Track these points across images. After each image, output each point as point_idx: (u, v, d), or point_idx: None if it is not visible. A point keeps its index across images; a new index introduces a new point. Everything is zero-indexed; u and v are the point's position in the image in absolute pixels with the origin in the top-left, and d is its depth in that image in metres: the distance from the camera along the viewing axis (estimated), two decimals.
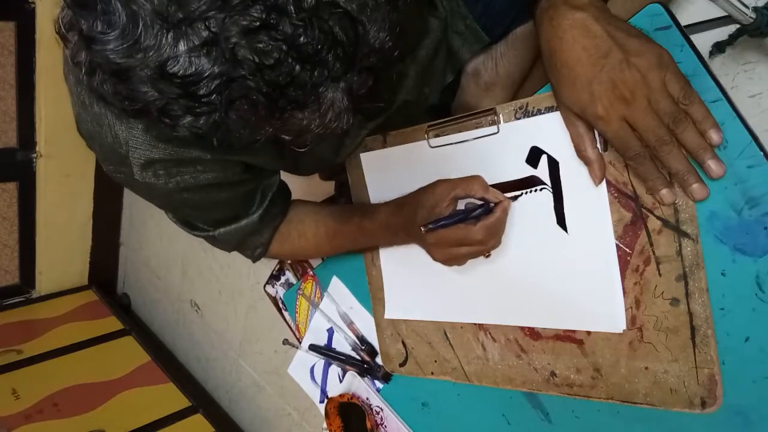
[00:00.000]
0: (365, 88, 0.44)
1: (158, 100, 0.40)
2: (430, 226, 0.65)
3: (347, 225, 0.78)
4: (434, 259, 0.71)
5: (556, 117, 0.63)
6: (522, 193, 0.67)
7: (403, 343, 0.83)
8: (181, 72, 0.38)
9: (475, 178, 0.66)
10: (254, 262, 0.83)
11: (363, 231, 0.77)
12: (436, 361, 0.81)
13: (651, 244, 0.61)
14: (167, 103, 0.40)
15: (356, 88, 0.43)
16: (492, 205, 0.66)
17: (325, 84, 0.41)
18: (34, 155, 2.18)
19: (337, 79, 0.41)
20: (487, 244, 0.67)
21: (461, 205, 0.68)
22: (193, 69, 0.38)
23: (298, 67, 0.39)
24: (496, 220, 0.65)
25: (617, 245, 0.63)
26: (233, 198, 0.72)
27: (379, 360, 0.88)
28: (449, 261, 0.70)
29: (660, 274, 0.61)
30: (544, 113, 0.64)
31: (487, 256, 0.71)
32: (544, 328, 0.70)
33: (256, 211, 0.74)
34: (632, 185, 0.61)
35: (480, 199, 0.66)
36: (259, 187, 0.74)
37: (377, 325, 0.86)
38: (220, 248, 0.80)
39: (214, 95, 0.39)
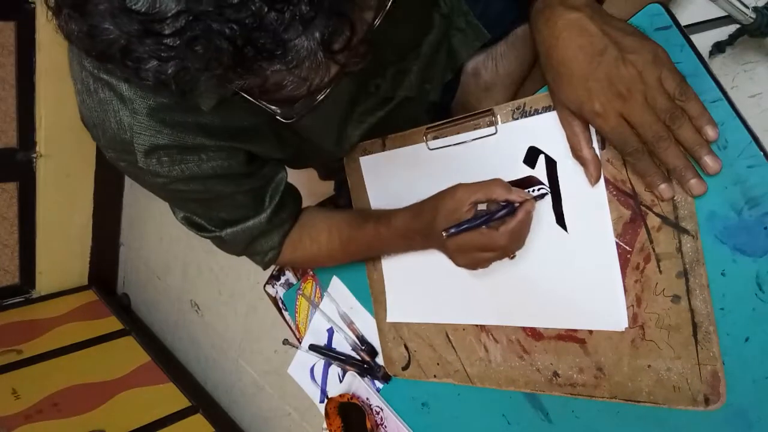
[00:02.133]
0: (341, 38, 0.41)
1: (120, 38, 0.38)
2: (452, 230, 0.63)
3: (362, 231, 0.76)
4: (457, 264, 0.69)
5: (553, 117, 0.63)
6: (539, 189, 0.67)
7: (406, 346, 0.83)
8: (142, 8, 0.37)
9: (495, 182, 0.64)
10: (265, 268, 0.82)
11: (379, 238, 0.75)
12: (438, 364, 0.80)
13: (651, 242, 0.61)
14: (129, 42, 0.38)
15: (329, 36, 0.40)
16: (516, 205, 0.63)
17: (293, 28, 0.38)
18: (34, 155, 2.18)
19: (306, 24, 0.39)
20: (511, 248, 0.65)
21: (483, 208, 0.66)
22: (157, 6, 0.37)
23: (264, 8, 0.37)
24: (518, 224, 0.63)
25: (617, 243, 0.63)
26: (239, 194, 0.71)
27: (378, 360, 0.88)
28: (472, 266, 0.68)
29: (660, 272, 0.61)
30: (541, 113, 0.64)
31: (512, 257, 0.69)
32: (546, 328, 0.70)
33: (264, 212, 0.74)
34: (631, 183, 0.61)
35: (503, 202, 0.64)
36: (267, 189, 0.74)
37: (379, 329, 0.86)
38: (228, 251, 0.79)
39: (178, 39, 0.38)
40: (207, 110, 0.59)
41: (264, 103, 0.46)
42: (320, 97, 0.46)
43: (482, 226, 0.63)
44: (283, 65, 0.40)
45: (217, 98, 0.57)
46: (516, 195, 0.63)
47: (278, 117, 0.48)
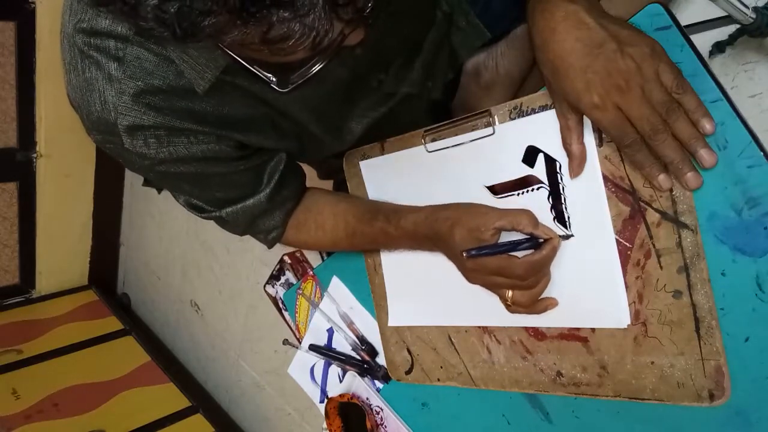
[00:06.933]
0: None
1: None
2: (473, 252, 0.62)
3: (368, 226, 0.75)
4: (468, 281, 0.69)
5: (550, 115, 0.63)
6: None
7: (409, 350, 0.83)
8: None
9: (524, 212, 0.64)
10: (270, 247, 0.81)
11: (385, 235, 0.74)
12: (442, 367, 0.80)
13: (651, 237, 0.61)
14: None
15: None
16: (541, 241, 0.63)
17: None
18: (34, 155, 2.18)
19: None
20: (526, 281, 0.64)
21: (504, 238, 0.64)
22: None
23: None
24: (542, 258, 0.62)
25: (617, 240, 0.63)
26: (233, 174, 0.70)
27: (379, 360, 0.88)
28: (484, 286, 0.68)
29: (661, 267, 0.61)
30: (538, 112, 0.64)
31: (511, 309, 0.67)
32: (549, 328, 0.70)
33: (263, 190, 0.73)
34: (629, 179, 0.61)
35: (528, 234, 0.63)
36: (265, 167, 0.72)
37: (382, 333, 0.85)
38: (230, 231, 0.78)
39: None
40: (201, 93, 0.57)
41: (259, 69, 0.45)
42: (317, 67, 0.45)
43: (504, 254, 0.62)
44: (290, 12, 0.38)
45: (213, 71, 0.55)
46: (542, 231, 0.63)
47: (273, 86, 0.47)
